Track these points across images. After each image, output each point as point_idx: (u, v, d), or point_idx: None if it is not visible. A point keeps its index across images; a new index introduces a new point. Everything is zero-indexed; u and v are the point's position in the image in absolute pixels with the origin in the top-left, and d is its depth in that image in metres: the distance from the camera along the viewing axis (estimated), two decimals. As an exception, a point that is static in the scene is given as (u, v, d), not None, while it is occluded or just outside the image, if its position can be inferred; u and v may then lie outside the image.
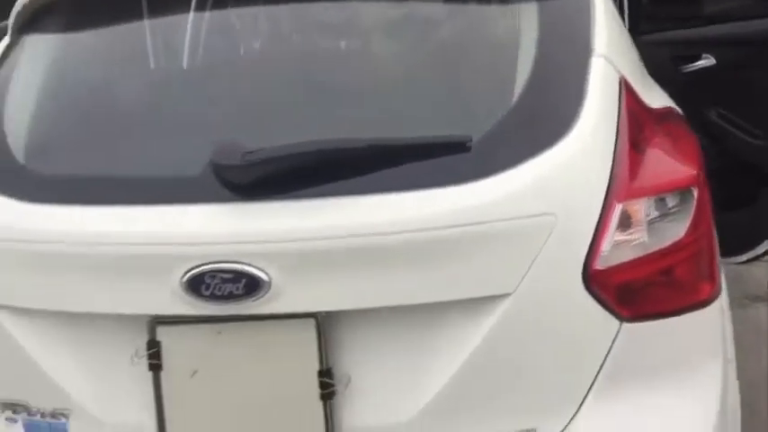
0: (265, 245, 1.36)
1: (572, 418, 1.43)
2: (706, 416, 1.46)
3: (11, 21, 1.83)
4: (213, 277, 1.37)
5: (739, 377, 1.60)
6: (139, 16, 1.72)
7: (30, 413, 1.57)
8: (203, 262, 1.36)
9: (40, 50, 1.74)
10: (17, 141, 1.58)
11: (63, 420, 1.55)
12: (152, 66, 1.67)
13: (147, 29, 1.70)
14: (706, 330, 1.49)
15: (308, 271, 1.37)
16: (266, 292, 1.37)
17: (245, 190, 1.36)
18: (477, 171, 1.36)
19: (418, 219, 1.35)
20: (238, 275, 1.36)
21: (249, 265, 1.36)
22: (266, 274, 1.36)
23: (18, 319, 1.51)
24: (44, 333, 1.51)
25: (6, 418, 1.59)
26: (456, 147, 1.37)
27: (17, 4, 1.82)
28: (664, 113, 1.66)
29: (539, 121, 1.41)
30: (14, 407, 1.58)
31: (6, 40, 1.84)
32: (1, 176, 1.52)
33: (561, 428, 1.44)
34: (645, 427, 1.43)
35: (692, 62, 2.59)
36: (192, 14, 1.66)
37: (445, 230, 1.35)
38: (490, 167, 1.36)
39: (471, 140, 1.37)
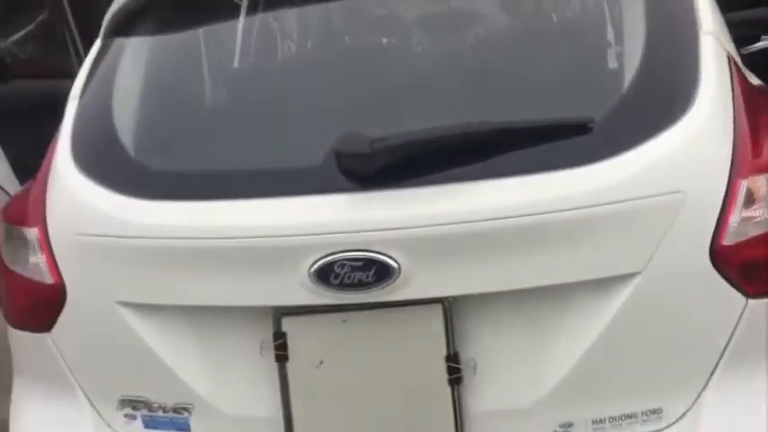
0: (395, 232, 1.37)
1: (698, 397, 1.44)
2: None
3: (102, 26, 1.85)
4: (343, 266, 1.38)
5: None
6: (235, 15, 1.74)
7: (150, 409, 1.58)
8: (333, 251, 1.37)
9: (139, 52, 1.76)
10: (132, 140, 1.59)
11: (185, 415, 1.56)
12: (260, 61, 1.68)
13: (245, 26, 1.72)
14: None
15: (436, 257, 1.38)
16: (395, 279, 1.38)
17: (373, 178, 1.37)
18: (603, 151, 1.37)
19: (546, 201, 1.36)
20: (369, 263, 1.37)
21: (379, 252, 1.37)
22: (396, 261, 1.37)
23: (141, 315, 1.52)
24: (167, 328, 1.52)
25: (125, 415, 1.61)
26: (579, 128, 1.38)
27: (109, 11, 1.85)
28: (763, 90, 1.66)
29: (658, 99, 1.42)
30: (134, 403, 1.59)
31: (98, 43, 1.86)
32: (120, 176, 1.54)
33: (687, 407, 1.44)
34: (771, 402, 1.43)
35: (752, 43, 2.58)
36: (290, 10, 1.67)
37: (574, 212, 1.35)
38: (615, 147, 1.37)
39: (594, 121, 1.38)
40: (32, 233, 1.61)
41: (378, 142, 1.35)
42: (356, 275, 1.38)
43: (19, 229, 1.64)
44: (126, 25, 1.80)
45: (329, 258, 1.38)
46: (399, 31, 1.66)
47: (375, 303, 1.40)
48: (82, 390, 1.63)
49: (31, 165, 2.80)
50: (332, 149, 1.38)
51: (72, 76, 3.29)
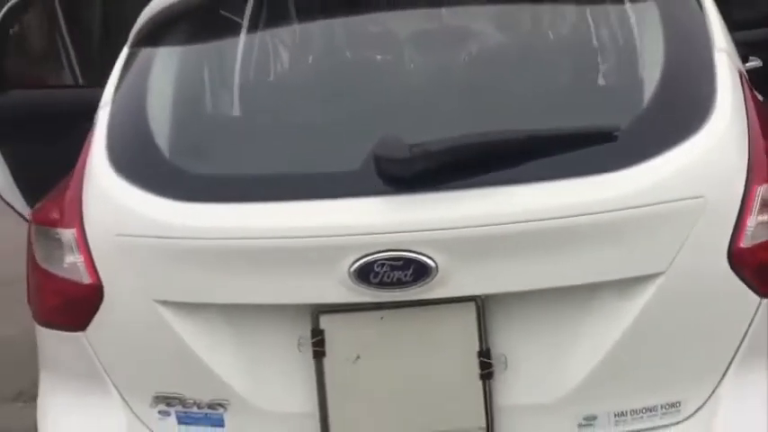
0: (433, 233, 1.43)
1: (714, 390, 1.52)
2: None
3: (130, 37, 1.90)
4: (382, 266, 1.44)
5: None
6: (263, 28, 1.80)
7: (185, 405, 1.62)
8: (373, 251, 1.43)
9: (170, 60, 1.81)
10: (170, 144, 1.64)
11: (220, 411, 1.60)
12: (292, 70, 1.74)
13: (275, 38, 1.78)
14: None
15: (470, 257, 1.45)
16: (433, 278, 1.44)
17: (411, 181, 1.44)
18: (630, 158, 1.45)
19: (574, 205, 1.44)
20: (407, 263, 1.43)
21: (417, 252, 1.43)
22: (433, 260, 1.43)
23: (180, 313, 1.56)
24: (205, 326, 1.57)
25: (159, 411, 1.64)
26: (607, 137, 1.47)
27: (136, 23, 1.89)
28: (766, 104, 1.77)
29: (680, 111, 1.51)
30: (168, 399, 1.63)
31: (124, 53, 1.90)
32: (161, 179, 1.58)
33: (704, 400, 1.52)
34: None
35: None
36: (322, 22, 1.74)
37: (603, 215, 1.43)
38: (641, 155, 1.45)
39: (621, 130, 1.46)
40: (69, 234, 1.64)
41: (416, 147, 1.42)
42: (395, 274, 1.44)
43: (53, 230, 1.68)
44: (154, 35, 1.85)
45: (369, 258, 1.44)
46: (428, 44, 1.74)
47: (412, 301, 1.47)
48: (115, 386, 1.66)
49: (29, 172, 2.84)
50: (372, 154, 1.45)
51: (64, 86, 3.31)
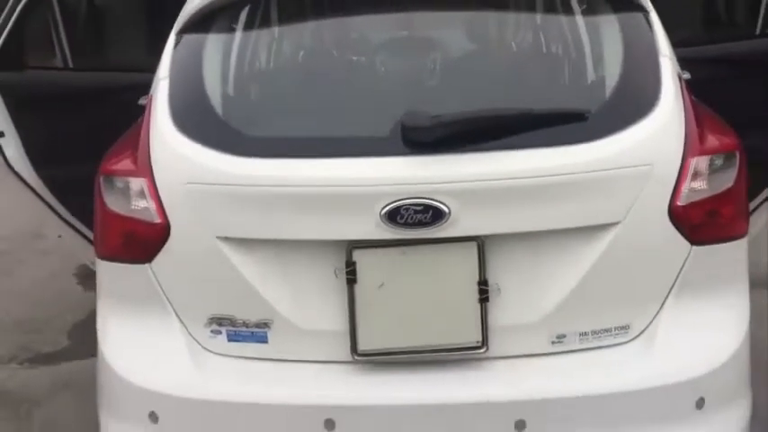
0: (448, 185, 1.84)
1: (656, 315, 1.97)
2: (743, 315, 2.03)
3: (177, 24, 2.24)
4: (407, 210, 1.83)
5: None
6: (305, 12, 2.19)
7: (234, 324, 1.98)
8: (401, 197, 1.83)
9: (219, 40, 2.17)
10: (225, 109, 2.01)
11: (265, 329, 1.97)
12: (329, 50, 2.15)
13: (319, 21, 2.18)
14: (742, 256, 2.06)
15: (476, 205, 1.86)
16: (446, 221, 1.84)
17: (432, 144, 1.84)
18: (597, 134, 1.89)
19: (555, 167, 1.87)
20: (427, 208, 1.83)
21: (435, 200, 1.83)
22: (447, 207, 1.84)
23: (237, 247, 1.92)
24: (257, 258, 1.93)
25: (211, 330, 2.00)
26: (578, 116, 1.91)
27: (182, 12, 2.24)
28: (696, 100, 2.24)
29: (633, 100, 1.97)
30: (221, 320, 1.98)
31: (172, 37, 2.24)
32: (218, 137, 1.94)
33: (647, 323, 1.97)
34: (705, 320, 1.98)
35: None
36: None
37: (575, 175, 1.87)
38: (605, 132, 1.89)
39: (589, 112, 1.91)
40: (139, 182, 1.98)
41: (435, 118, 1.83)
42: (417, 217, 1.84)
43: (126, 179, 2.01)
44: (200, 23, 2.20)
45: (397, 203, 1.83)
46: (442, 35, 2.18)
47: (428, 239, 1.87)
48: (174, 309, 2.00)
49: (42, 147, 3.09)
50: (400, 122, 1.84)
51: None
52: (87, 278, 4.38)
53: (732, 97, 2.92)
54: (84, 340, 3.72)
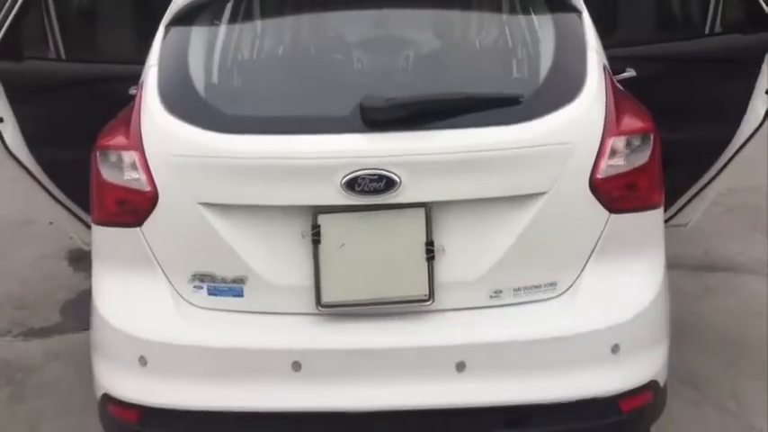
0: (399, 158, 2.14)
1: (579, 274, 2.28)
2: (657, 274, 2.34)
3: (165, 18, 2.52)
4: (364, 179, 2.13)
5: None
6: (280, 8, 2.51)
7: (214, 280, 2.26)
8: (358, 168, 2.12)
9: (203, 32, 2.46)
10: (207, 92, 2.31)
11: (241, 285, 2.25)
12: (301, 41, 2.47)
13: (294, 17, 2.51)
14: (657, 224, 2.37)
15: (423, 175, 2.15)
16: (397, 189, 2.14)
17: (386, 123, 2.14)
18: (527, 116, 2.19)
19: (491, 144, 2.17)
20: (381, 177, 2.13)
21: (388, 171, 2.13)
22: (398, 176, 2.13)
23: (217, 212, 2.21)
24: (235, 221, 2.21)
25: (194, 286, 2.28)
26: (512, 101, 2.21)
27: (171, 5, 2.53)
28: (620, 88, 2.55)
29: (561, 87, 2.27)
30: (202, 276, 2.26)
31: (161, 29, 2.52)
32: (201, 116, 2.22)
33: (572, 281, 2.28)
34: (622, 280, 2.28)
35: (618, 74, 3.49)
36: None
37: (507, 151, 2.17)
38: (534, 114, 2.20)
39: (522, 97, 2.21)
40: (131, 155, 2.26)
41: (390, 100, 2.13)
42: (372, 185, 2.13)
43: (117, 152, 2.28)
44: (186, 16, 2.49)
45: (355, 174, 2.12)
46: (400, 32, 2.51)
47: (382, 205, 2.16)
48: (161, 267, 2.27)
49: (36, 130, 3.34)
50: (360, 104, 2.14)
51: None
52: (77, 261, 4.66)
53: (676, 93, 3.25)
54: (75, 316, 4.01)
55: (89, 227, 3.48)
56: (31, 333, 3.88)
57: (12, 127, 3.33)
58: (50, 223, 5.17)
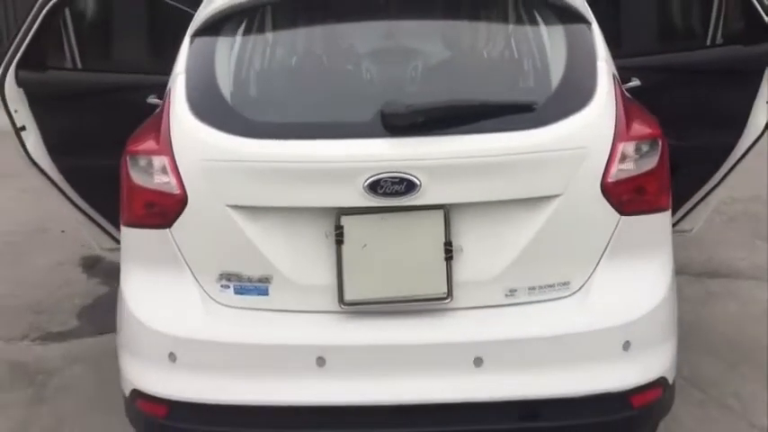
0: (419, 162, 2.24)
1: (591, 274, 2.37)
2: (666, 274, 2.43)
3: (191, 28, 2.63)
4: (386, 182, 2.22)
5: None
6: (301, 19, 2.62)
7: (240, 280, 2.35)
8: (381, 172, 2.22)
9: (229, 42, 2.55)
10: (234, 100, 2.40)
11: (266, 284, 2.34)
12: (323, 51, 2.59)
13: (315, 28, 2.62)
14: (665, 226, 2.47)
15: (442, 179, 2.25)
16: (417, 192, 2.24)
17: (407, 129, 2.24)
18: (541, 122, 2.30)
19: (507, 148, 2.27)
20: (402, 180, 2.22)
21: (409, 174, 2.23)
22: (418, 179, 2.23)
23: (244, 214, 2.30)
24: (261, 222, 2.31)
25: (221, 285, 2.37)
26: (527, 108, 2.32)
27: (194, 19, 2.64)
28: (628, 96, 2.65)
29: (573, 95, 2.37)
30: (229, 276, 2.36)
31: (187, 39, 2.63)
32: (229, 122, 2.32)
33: (585, 280, 2.37)
34: (632, 279, 2.38)
35: (625, 83, 3.58)
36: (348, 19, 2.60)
37: (524, 155, 2.27)
38: (549, 120, 2.30)
39: (537, 104, 2.31)
40: (161, 160, 2.35)
41: (411, 106, 2.23)
42: (393, 188, 2.23)
43: (148, 157, 2.38)
44: (212, 27, 2.59)
45: (378, 176, 2.22)
46: (419, 42, 2.62)
47: (403, 207, 2.26)
48: (189, 267, 2.36)
49: (59, 138, 3.43)
50: (382, 110, 2.24)
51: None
52: (91, 267, 4.75)
53: (681, 102, 3.35)
54: (91, 321, 4.10)
55: (107, 232, 3.61)
56: (49, 337, 3.96)
57: (34, 135, 3.43)
58: (63, 231, 5.29)
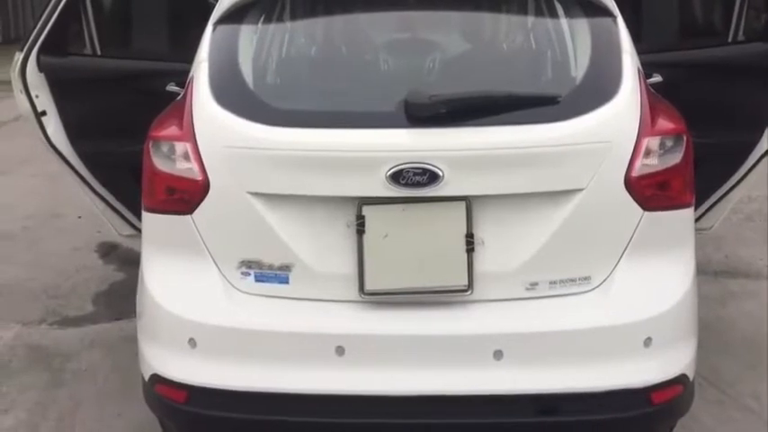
0: (442, 152, 2.23)
1: (613, 269, 2.36)
2: (688, 271, 2.42)
3: (213, 16, 2.62)
4: (408, 172, 2.22)
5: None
6: (323, 8, 2.61)
7: (261, 267, 2.35)
8: (403, 162, 2.21)
9: (251, 30, 2.55)
10: (256, 87, 2.40)
11: (287, 272, 2.34)
12: (345, 40, 2.58)
13: (338, 17, 2.61)
14: (688, 223, 2.46)
15: (465, 170, 2.24)
16: (440, 183, 2.23)
17: (431, 119, 2.23)
18: (566, 115, 2.28)
19: (530, 140, 2.26)
20: (424, 171, 2.22)
21: (431, 165, 2.22)
22: (441, 170, 2.22)
23: (265, 201, 2.30)
24: (283, 210, 2.31)
25: (241, 272, 2.37)
26: (552, 100, 2.30)
27: (219, 5, 2.63)
28: (652, 90, 2.63)
29: (598, 88, 2.36)
30: (250, 263, 2.35)
31: (210, 26, 2.62)
32: (251, 110, 2.32)
33: (606, 276, 2.35)
34: (654, 275, 2.36)
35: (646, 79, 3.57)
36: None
37: (547, 148, 2.26)
38: (574, 113, 2.29)
39: (561, 97, 2.30)
40: (184, 146, 2.35)
41: (435, 97, 2.22)
42: (416, 179, 2.22)
43: (170, 143, 2.38)
44: (234, 15, 2.59)
45: (400, 167, 2.21)
46: (442, 33, 2.61)
47: (425, 197, 2.25)
48: (210, 254, 2.36)
49: (79, 124, 3.45)
50: (406, 100, 2.23)
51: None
52: (107, 254, 4.77)
53: (701, 99, 3.32)
54: (107, 306, 4.12)
55: (125, 218, 3.63)
56: (66, 321, 3.99)
57: (54, 120, 3.45)
58: (79, 217, 5.32)
